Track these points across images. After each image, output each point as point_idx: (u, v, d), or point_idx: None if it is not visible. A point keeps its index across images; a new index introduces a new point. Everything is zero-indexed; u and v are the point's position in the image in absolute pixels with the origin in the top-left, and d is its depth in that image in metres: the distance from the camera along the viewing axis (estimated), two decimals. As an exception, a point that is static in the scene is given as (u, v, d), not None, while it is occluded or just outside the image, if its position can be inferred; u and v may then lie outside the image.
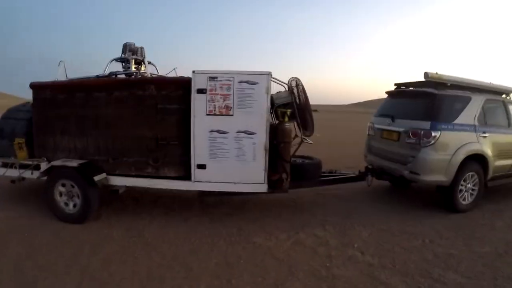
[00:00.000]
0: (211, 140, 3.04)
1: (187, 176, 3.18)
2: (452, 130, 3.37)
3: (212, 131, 3.03)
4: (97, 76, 3.53)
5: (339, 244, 2.89)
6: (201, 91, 2.98)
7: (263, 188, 3.13)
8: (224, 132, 3.03)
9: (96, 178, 3.14)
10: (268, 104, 3.03)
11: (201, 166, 3.07)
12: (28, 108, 3.81)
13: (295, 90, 3.33)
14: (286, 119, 3.12)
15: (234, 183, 3.11)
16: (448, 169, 3.33)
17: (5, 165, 3.69)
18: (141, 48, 3.68)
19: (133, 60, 3.59)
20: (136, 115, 3.16)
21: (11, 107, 4.02)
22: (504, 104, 3.82)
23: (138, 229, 3.12)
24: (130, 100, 3.17)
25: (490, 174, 3.57)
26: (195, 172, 3.09)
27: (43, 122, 3.49)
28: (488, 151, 3.47)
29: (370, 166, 4.04)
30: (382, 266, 2.52)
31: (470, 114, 3.46)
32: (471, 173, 3.44)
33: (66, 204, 3.28)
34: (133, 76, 3.61)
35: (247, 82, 2.98)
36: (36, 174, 3.48)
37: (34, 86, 3.54)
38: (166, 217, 3.43)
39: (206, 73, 2.99)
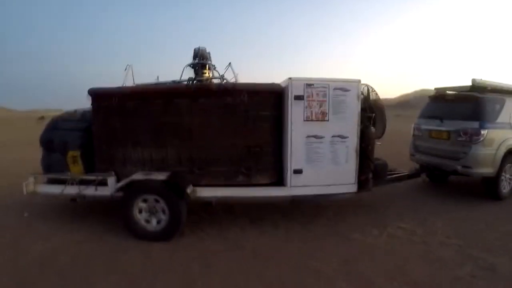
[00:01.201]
0: (308, 145, 3.23)
1: (279, 182, 3.35)
2: (495, 128, 4.05)
3: (309, 136, 3.22)
4: (174, 82, 3.47)
5: (425, 233, 3.34)
6: (298, 97, 3.15)
7: (354, 188, 3.40)
8: (320, 137, 3.24)
9: (189, 190, 3.11)
10: (359, 109, 3.36)
11: (298, 171, 3.24)
12: (78, 117, 3.60)
13: (370, 95, 3.73)
14: (372, 123, 3.50)
15: (328, 185, 3.35)
16: (494, 162, 4.02)
17: (58, 182, 3.40)
18: (209, 53, 3.70)
19: (207, 66, 3.60)
20: (226, 123, 3.19)
21: (55, 116, 3.79)
22: None
23: (234, 240, 3.17)
24: (218, 108, 3.18)
25: None
26: (292, 177, 3.25)
27: (108, 132, 3.31)
28: None
29: (424, 164, 4.62)
30: (468, 246, 3.05)
31: (506, 113, 4.19)
32: (509, 164, 4.19)
33: (147, 221, 3.15)
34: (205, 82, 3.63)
35: (341, 89, 3.24)
36: (102, 190, 3.25)
37: (96, 93, 3.31)
38: (255, 225, 3.52)
39: (303, 80, 3.16)
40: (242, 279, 2.51)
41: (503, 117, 4.18)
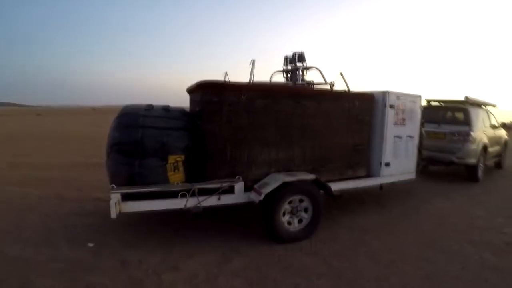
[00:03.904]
0: (394, 143, 4.46)
1: (369, 174, 4.45)
2: (476, 130, 6.26)
3: (395, 136, 4.46)
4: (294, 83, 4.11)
5: (462, 198, 5.30)
6: (391, 106, 4.32)
7: (414, 175, 4.84)
8: (400, 137, 4.52)
9: (333, 187, 3.66)
10: (420, 116, 4.81)
11: (387, 164, 4.41)
12: (160, 112, 3.20)
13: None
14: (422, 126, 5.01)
15: (402, 173, 4.67)
16: (476, 155, 6.17)
17: (142, 196, 2.97)
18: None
19: (304, 71, 4.41)
20: (342, 124, 4.00)
21: (125, 112, 3.20)
22: (487, 112, 7.16)
23: (358, 226, 3.94)
24: (338, 111, 3.94)
25: (488, 156, 6.78)
26: (383, 169, 4.39)
27: (234, 132, 3.24)
28: (487, 143, 6.63)
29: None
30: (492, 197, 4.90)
31: (480, 120, 6.48)
32: (483, 156, 6.48)
33: (289, 222, 3.37)
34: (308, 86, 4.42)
35: (413, 101, 4.62)
36: (227, 199, 3.20)
37: (219, 87, 3.19)
38: (364, 210, 4.51)
39: (395, 93, 4.34)
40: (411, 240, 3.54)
41: (479, 123, 6.45)
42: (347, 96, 4.09)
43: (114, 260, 2.89)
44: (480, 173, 6.51)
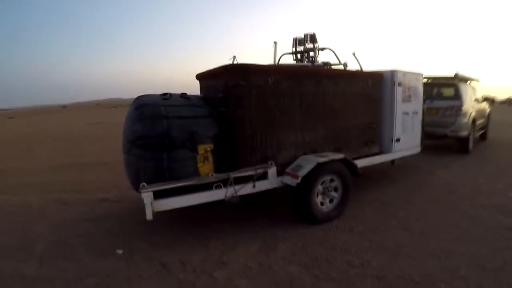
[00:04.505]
0: (402, 119, 4.64)
1: (382, 150, 4.61)
2: (466, 104, 6.63)
3: (403, 113, 4.62)
4: (313, 64, 4.10)
5: (459, 168, 5.59)
6: (400, 84, 4.47)
7: (419, 149, 5.08)
8: (407, 113, 4.69)
9: (359, 164, 3.75)
10: (422, 92, 5.00)
11: (398, 140, 4.58)
12: (181, 101, 3.11)
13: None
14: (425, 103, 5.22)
15: (409, 148, 4.87)
16: (468, 127, 6.55)
17: (169, 192, 2.76)
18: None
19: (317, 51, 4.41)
20: (357, 103, 4.07)
21: (140, 103, 2.95)
22: (472, 87, 7.59)
23: (379, 200, 4.13)
24: (353, 90, 4.00)
25: (476, 129, 7.20)
26: (394, 145, 4.54)
27: (261, 116, 3.16)
28: (475, 116, 7.05)
29: None
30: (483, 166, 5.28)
31: (468, 94, 6.86)
32: (472, 128, 6.89)
33: (322, 203, 3.43)
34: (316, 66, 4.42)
35: (416, 78, 4.80)
36: (261, 185, 3.15)
37: (247, 70, 3.08)
38: (379, 184, 4.74)
39: (402, 71, 4.48)
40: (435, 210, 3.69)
41: (468, 97, 6.82)
42: (361, 75, 4.17)
43: (153, 265, 2.66)
44: (471, 145, 6.91)
